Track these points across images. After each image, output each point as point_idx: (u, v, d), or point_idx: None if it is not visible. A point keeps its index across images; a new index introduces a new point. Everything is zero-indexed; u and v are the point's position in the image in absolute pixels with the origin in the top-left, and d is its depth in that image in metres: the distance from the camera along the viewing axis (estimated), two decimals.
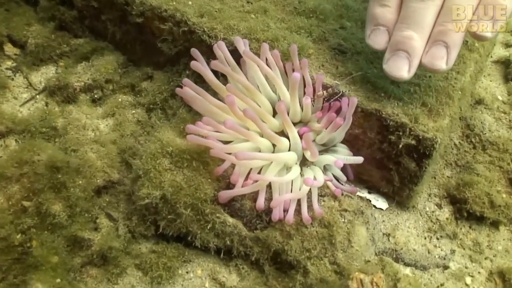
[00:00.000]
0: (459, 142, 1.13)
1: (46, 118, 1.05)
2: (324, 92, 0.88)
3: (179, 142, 0.88)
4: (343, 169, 0.96)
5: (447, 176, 1.07)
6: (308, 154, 0.87)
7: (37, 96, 1.14)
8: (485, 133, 1.15)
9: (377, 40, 0.84)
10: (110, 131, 1.04)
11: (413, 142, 0.86)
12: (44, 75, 1.18)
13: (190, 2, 1.05)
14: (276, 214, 0.83)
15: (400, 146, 0.87)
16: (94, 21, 1.21)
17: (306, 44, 0.94)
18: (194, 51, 0.90)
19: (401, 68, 0.80)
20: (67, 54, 1.21)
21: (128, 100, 1.10)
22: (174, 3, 1.04)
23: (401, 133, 0.86)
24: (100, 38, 1.22)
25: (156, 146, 0.89)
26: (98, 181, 0.95)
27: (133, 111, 1.07)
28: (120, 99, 1.10)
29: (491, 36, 0.79)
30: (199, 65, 0.88)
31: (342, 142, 0.94)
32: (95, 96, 1.11)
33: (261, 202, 0.84)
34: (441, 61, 0.79)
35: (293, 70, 0.88)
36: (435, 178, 1.06)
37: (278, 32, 0.96)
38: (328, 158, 0.89)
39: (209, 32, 0.98)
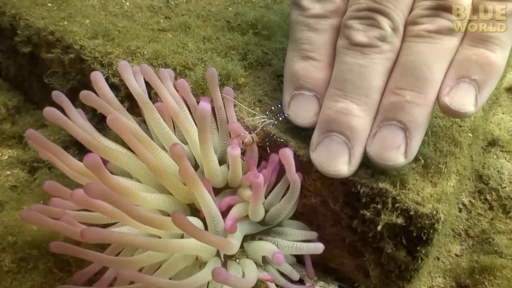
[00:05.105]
0: (470, 201, 0.76)
1: None
2: (254, 136, 0.52)
3: (28, 228, 0.52)
4: (299, 259, 0.59)
5: (456, 255, 0.69)
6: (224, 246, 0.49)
7: None
8: (505, 187, 0.77)
9: (300, 111, 0.50)
10: None
11: (401, 220, 0.49)
12: None
13: (87, 21, 0.71)
14: None
15: (380, 226, 0.50)
16: None
17: (233, 70, 0.58)
18: (56, 95, 0.55)
19: (336, 160, 0.47)
20: None
21: (12, 156, 0.75)
22: (66, 22, 0.70)
23: (379, 206, 0.49)
24: None
25: None
26: None
27: (8, 172, 0.71)
28: (0, 155, 0.75)
29: (474, 111, 0.45)
30: (56, 113, 0.52)
31: (295, 216, 0.58)
32: None
33: None
34: (396, 152, 0.46)
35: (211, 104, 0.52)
36: (438, 259, 0.68)
37: (197, 55, 0.61)
38: (265, 247, 0.52)
39: (102, 58, 0.64)
